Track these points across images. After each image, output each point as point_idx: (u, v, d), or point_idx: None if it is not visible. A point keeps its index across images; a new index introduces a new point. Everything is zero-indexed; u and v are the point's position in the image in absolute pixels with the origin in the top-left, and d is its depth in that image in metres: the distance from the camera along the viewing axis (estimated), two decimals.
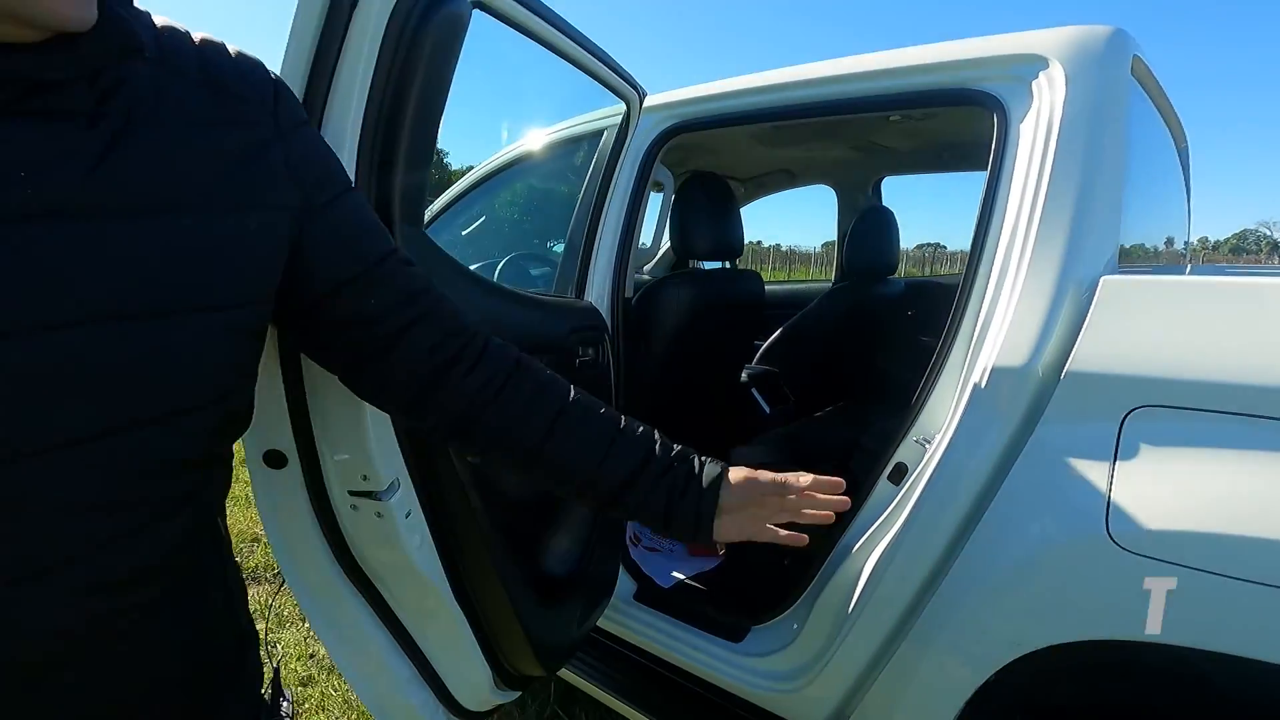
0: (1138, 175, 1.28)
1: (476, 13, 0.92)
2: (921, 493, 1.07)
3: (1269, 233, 79.46)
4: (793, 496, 0.73)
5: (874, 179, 2.61)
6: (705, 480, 0.71)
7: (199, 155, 0.50)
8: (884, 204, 2.62)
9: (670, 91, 1.59)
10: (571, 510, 1.37)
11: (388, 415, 0.88)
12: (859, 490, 1.27)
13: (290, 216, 0.56)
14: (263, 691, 0.69)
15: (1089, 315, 0.93)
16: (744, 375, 2.07)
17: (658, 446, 0.72)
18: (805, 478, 0.72)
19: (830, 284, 2.79)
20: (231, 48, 0.56)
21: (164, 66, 0.50)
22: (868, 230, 2.18)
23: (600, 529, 1.49)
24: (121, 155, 0.45)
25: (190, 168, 0.49)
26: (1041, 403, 0.96)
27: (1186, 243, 2.06)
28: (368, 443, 0.86)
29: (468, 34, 0.88)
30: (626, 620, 1.62)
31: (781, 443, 1.66)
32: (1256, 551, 0.77)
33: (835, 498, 0.73)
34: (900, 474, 1.19)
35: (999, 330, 1.01)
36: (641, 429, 0.73)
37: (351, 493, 0.92)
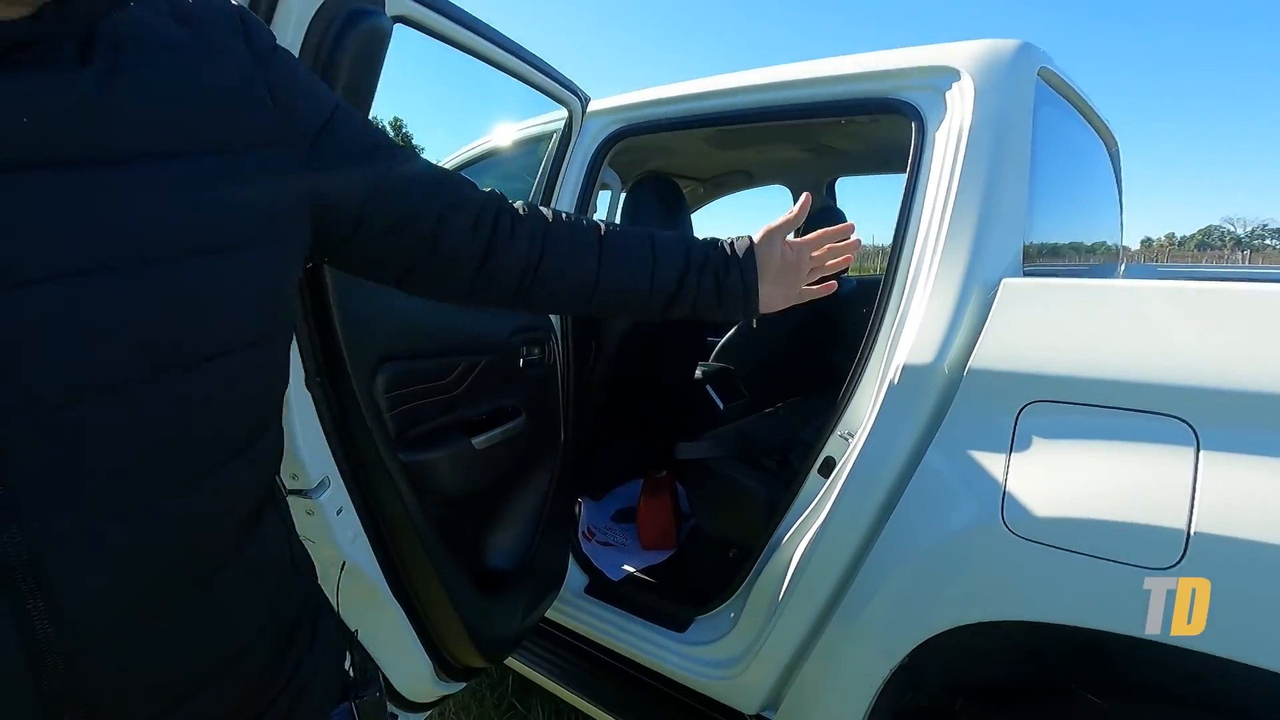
0: (1054, 178, 1.35)
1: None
2: (843, 484, 1.12)
3: (1232, 229, 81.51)
4: (815, 253, 0.86)
5: (827, 180, 2.67)
6: (741, 254, 0.80)
7: (199, 81, 0.49)
8: (836, 205, 2.68)
9: (616, 96, 1.63)
10: (514, 506, 1.41)
11: (315, 413, 0.91)
12: (792, 483, 1.32)
13: (293, 152, 0.55)
14: (348, 667, 0.71)
15: (990, 315, 0.99)
16: (699, 372, 2.11)
17: (691, 245, 0.79)
18: (815, 235, 0.85)
19: None
20: None
21: (139, 2, 0.48)
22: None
23: (546, 523, 1.53)
24: (116, 97, 0.44)
25: (183, 105, 0.48)
26: (948, 398, 1.01)
27: (1120, 240, 2.14)
28: (295, 442, 0.88)
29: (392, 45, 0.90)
30: (577, 613, 1.66)
31: (726, 437, 1.71)
32: (1132, 536, 0.83)
33: (848, 241, 0.88)
34: (829, 467, 1.24)
35: (912, 329, 1.06)
36: (670, 236, 0.80)
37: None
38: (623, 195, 2.12)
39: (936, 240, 1.07)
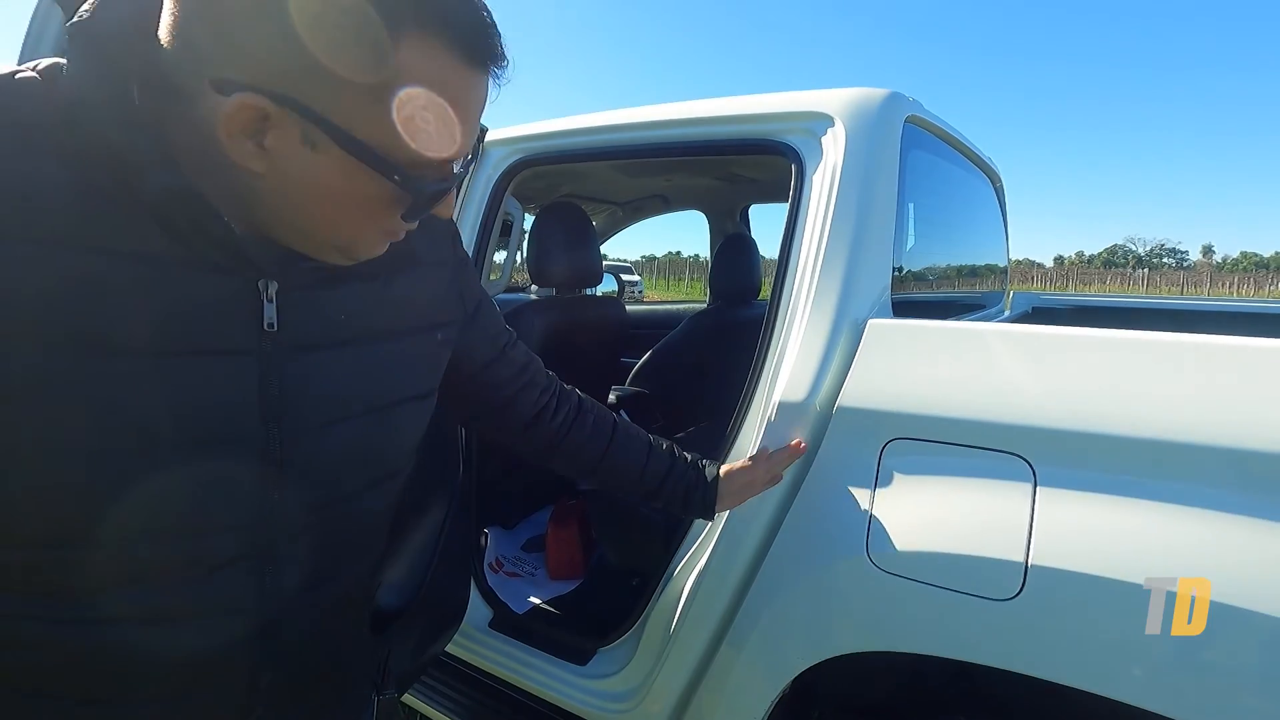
0: (927, 215, 1.42)
1: None
2: (728, 515, 1.15)
3: (1134, 247, 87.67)
4: (768, 476, 1.03)
5: (740, 206, 2.74)
6: (709, 478, 1.01)
7: (431, 292, 0.70)
8: (747, 231, 2.75)
9: (516, 126, 1.63)
10: (402, 542, 1.37)
11: None
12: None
13: (457, 327, 0.76)
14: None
15: (856, 355, 1.03)
16: (612, 397, 2.12)
17: (677, 456, 1.00)
18: (774, 456, 1.03)
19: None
20: None
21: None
22: (730, 257, 2.29)
23: (443, 558, 1.50)
24: (381, 295, 0.64)
25: (426, 301, 0.69)
26: (820, 434, 1.05)
27: (1006, 266, 2.27)
28: None
29: None
30: (479, 648, 1.63)
31: None
32: (978, 568, 0.88)
33: (795, 457, 1.05)
34: None
35: (788, 367, 1.09)
36: (665, 444, 1.00)
37: None
38: (527, 224, 2.12)
39: (811, 280, 1.11)
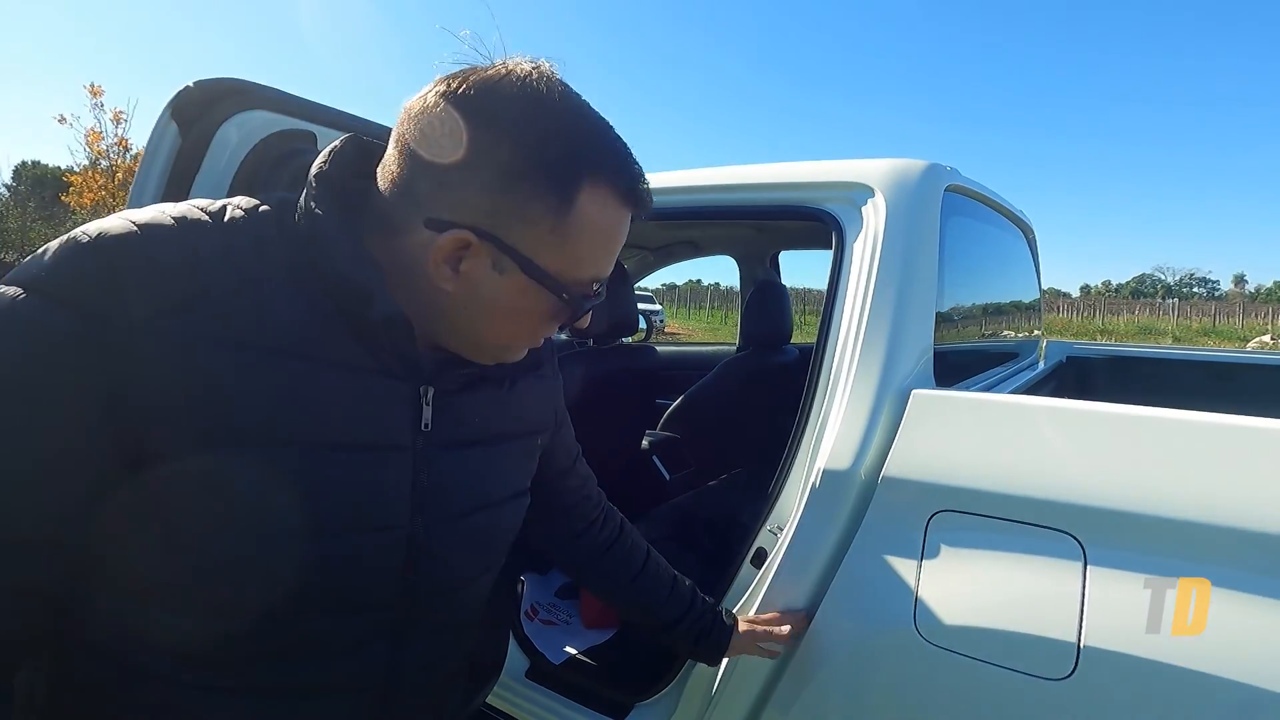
0: (967, 279, 1.44)
1: None
2: (773, 578, 1.16)
3: (1163, 277, 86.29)
4: (761, 644, 1.08)
5: (771, 252, 2.77)
6: (721, 630, 1.05)
7: (538, 401, 0.78)
8: (777, 276, 2.78)
9: None
10: None
11: None
12: (727, 570, 1.35)
13: (550, 433, 0.83)
14: None
15: (901, 425, 1.04)
16: (645, 442, 2.14)
17: (695, 600, 1.04)
18: (782, 630, 1.07)
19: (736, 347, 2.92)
20: None
21: None
22: (761, 304, 2.32)
23: (486, 610, 1.52)
24: (505, 400, 0.72)
25: (534, 408, 0.77)
26: (865, 503, 1.06)
27: (1039, 319, 2.27)
28: None
29: None
30: (518, 699, 1.64)
31: (669, 516, 1.73)
32: (1036, 646, 0.88)
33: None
34: (760, 558, 1.28)
35: (831, 434, 1.11)
36: (686, 583, 1.05)
37: None
38: None
39: (854, 348, 1.14)
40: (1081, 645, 0.85)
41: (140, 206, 0.76)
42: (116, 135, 20.30)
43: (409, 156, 0.56)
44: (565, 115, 0.57)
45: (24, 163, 45.66)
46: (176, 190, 0.77)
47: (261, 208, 0.58)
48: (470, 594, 0.73)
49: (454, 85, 0.55)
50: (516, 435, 0.74)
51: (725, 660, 1.21)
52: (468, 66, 0.57)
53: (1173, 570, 0.84)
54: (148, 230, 0.51)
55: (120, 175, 20.13)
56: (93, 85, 19.79)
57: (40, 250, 0.50)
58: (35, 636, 0.55)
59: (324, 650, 0.61)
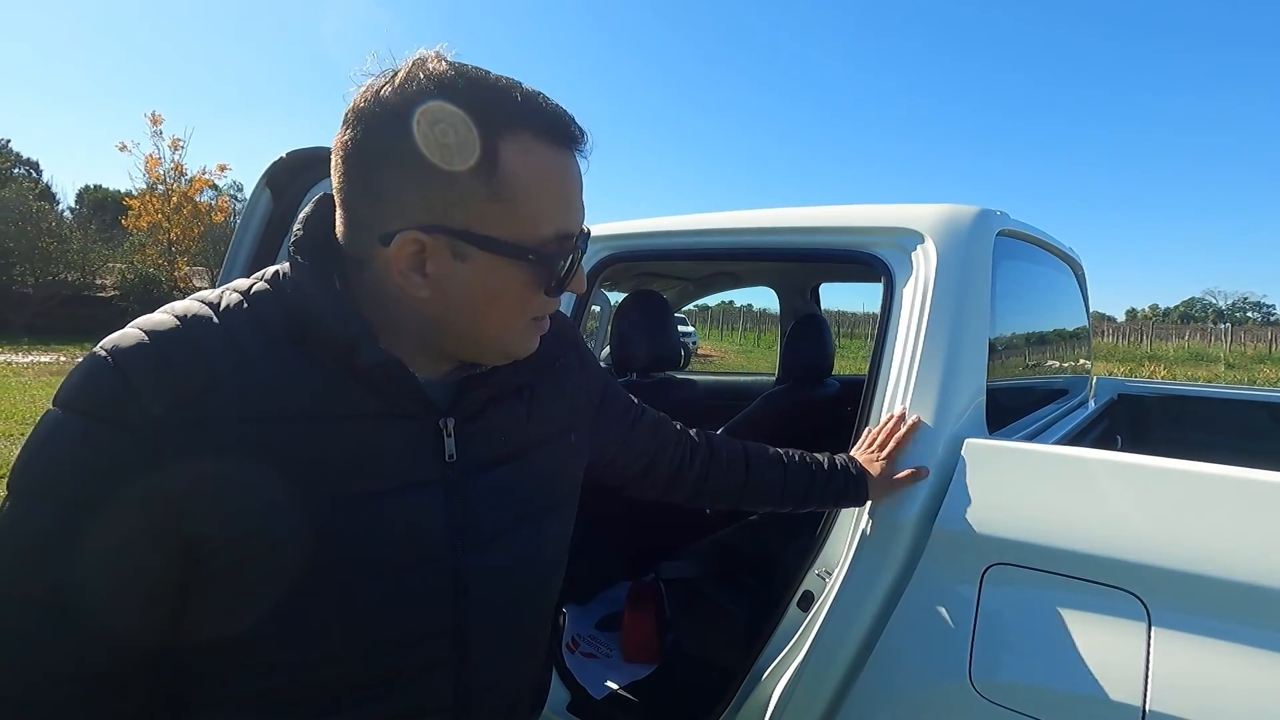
0: (1017, 320, 1.43)
1: None
2: (822, 623, 1.15)
3: (1214, 301, 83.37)
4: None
5: (811, 285, 2.78)
6: (854, 487, 1.07)
7: (564, 397, 0.78)
8: (817, 308, 2.78)
9: (607, 224, 1.72)
10: None
11: None
12: (773, 611, 1.34)
13: (588, 423, 0.84)
14: None
15: (954, 475, 1.04)
16: None
17: (814, 476, 1.07)
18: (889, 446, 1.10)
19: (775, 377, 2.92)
20: None
21: (541, 341, 0.74)
22: (802, 338, 2.32)
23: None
24: (529, 409, 0.72)
25: (561, 407, 0.77)
26: (918, 552, 1.06)
27: (1089, 355, 2.23)
28: None
29: None
30: None
31: (709, 553, 1.73)
32: (1100, 708, 0.87)
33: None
34: (808, 602, 1.27)
35: None
36: (798, 456, 1.07)
37: None
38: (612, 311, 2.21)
39: (905, 395, 1.14)
40: (1147, 710, 0.83)
41: (235, 265, 0.81)
42: (174, 161, 21.27)
43: (344, 190, 0.59)
44: (456, 88, 0.56)
45: (86, 187, 47.98)
46: (268, 251, 0.82)
47: (256, 286, 0.61)
48: (530, 606, 0.74)
49: (348, 112, 0.57)
50: (547, 439, 0.74)
51: (777, 696, 1.20)
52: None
53: (1240, 637, 0.82)
54: (154, 335, 0.55)
55: (175, 199, 21.03)
56: (153, 114, 20.81)
57: (73, 370, 0.55)
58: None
59: (393, 682, 0.64)
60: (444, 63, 0.57)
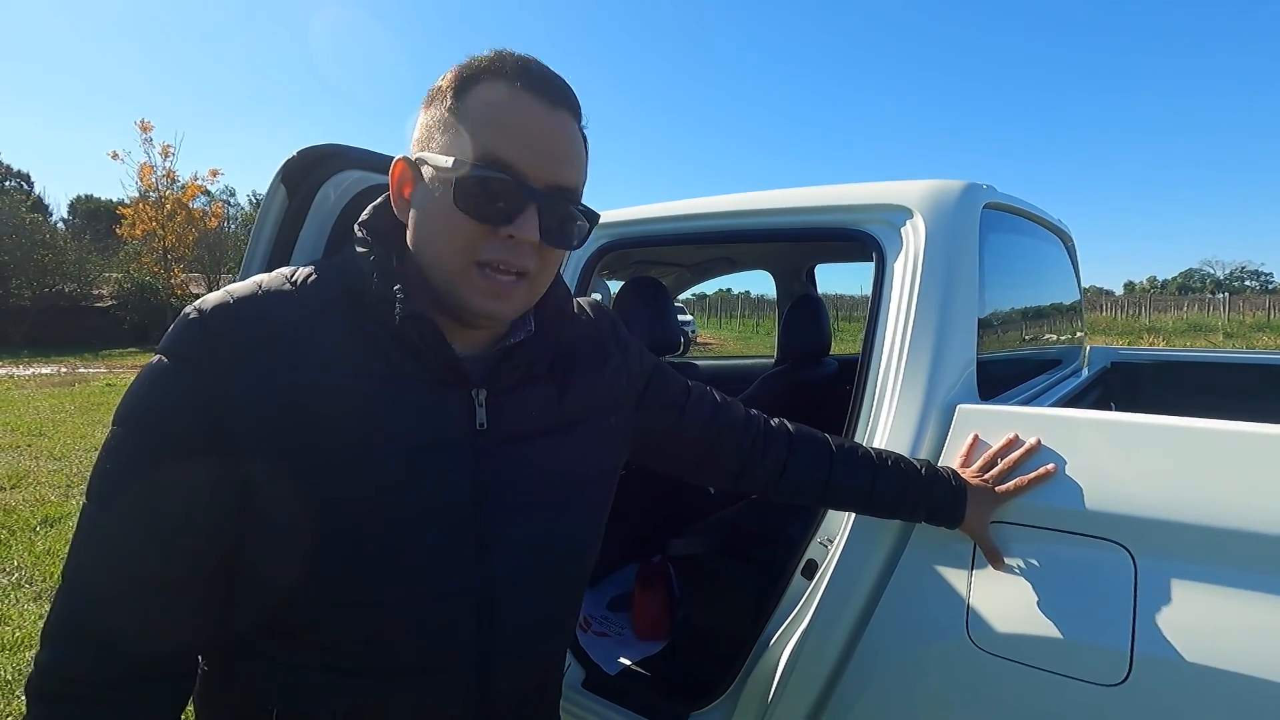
0: (1007, 292, 1.47)
1: None
2: (825, 589, 1.20)
3: (1211, 271, 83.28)
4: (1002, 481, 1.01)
5: (807, 266, 2.81)
6: (950, 505, 0.99)
7: (603, 380, 0.81)
8: (813, 289, 2.81)
9: (603, 213, 1.76)
10: None
11: None
12: (779, 581, 1.39)
13: (630, 407, 0.87)
14: None
15: (946, 440, 1.08)
16: None
17: (910, 474, 1.00)
18: (998, 467, 1.01)
19: (774, 360, 2.96)
20: (581, 300, 0.88)
21: (574, 325, 0.81)
22: (799, 319, 2.36)
23: None
24: (561, 394, 0.76)
25: (599, 390, 0.81)
26: None
27: (1083, 325, 2.27)
28: None
29: None
30: (575, 708, 1.70)
31: (716, 530, 1.78)
32: (1089, 653, 0.91)
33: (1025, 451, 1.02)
34: (811, 570, 1.32)
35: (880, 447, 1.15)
36: (891, 460, 1.01)
37: None
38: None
39: (897, 366, 1.18)
40: (1135, 651, 0.87)
41: (254, 261, 0.86)
42: (165, 168, 21.23)
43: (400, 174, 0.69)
44: (486, 55, 0.66)
45: (79, 197, 47.83)
46: (284, 245, 0.86)
47: (324, 264, 0.70)
48: (555, 579, 0.77)
49: None
50: (583, 419, 0.78)
51: (784, 661, 1.24)
52: None
53: (1221, 579, 0.86)
54: (235, 295, 0.65)
55: (169, 206, 21.01)
56: (143, 121, 20.77)
57: (172, 322, 0.66)
58: (198, 633, 0.67)
59: (418, 635, 0.69)
60: (496, 50, 0.66)
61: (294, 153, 0.85)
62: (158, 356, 0.63)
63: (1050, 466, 0.98)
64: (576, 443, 0.78)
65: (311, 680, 0.68)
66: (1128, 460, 0.95)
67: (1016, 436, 1.03)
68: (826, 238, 1.40)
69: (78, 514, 0.64)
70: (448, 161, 0.62)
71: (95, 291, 20.46)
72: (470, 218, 0.62)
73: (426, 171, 0.65)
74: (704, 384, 1.00)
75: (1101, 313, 29.51)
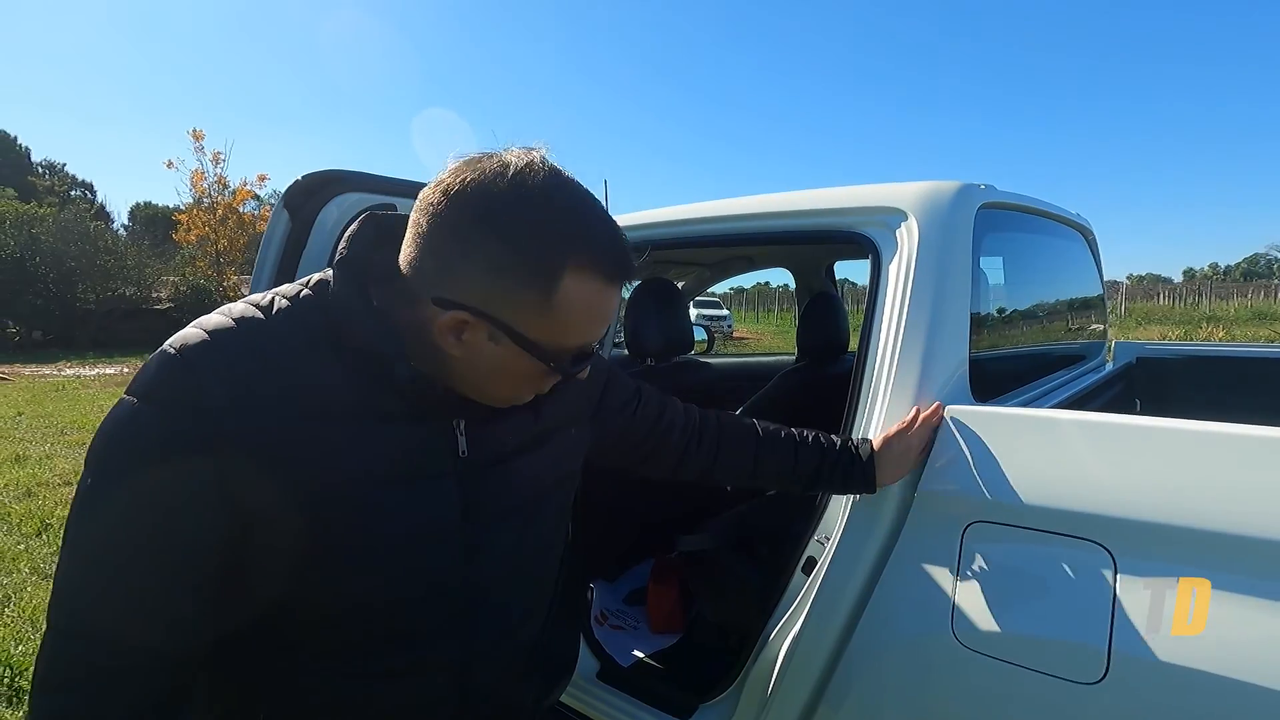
0: (1013, 284, 1.47)
1: None
2: (820, 585, 1.23)
3: (1279, 255, 78.98)
4: (916, 437, 1.10)
5: (825, 264, 2.81)
6: (863, 456, 1.09)
7: (567, 398, 0.86)
8: (832, 285, 2.81)
9: (621, 216, 1.80)
10: None
11: None
12: (779, 577, 1.42)
13: (587, 417, 0.95)
14: None
15: (936, 440, 1.10)
16: None
17: (826, 446, 1.10)
18: (923, 421, 1.11)
19: (793, 355, 2.97)
20: None
21: None
22: (815, 317, 2.37)
23: (559, 612, 1.64)
24: (534, 418, 0.81)
25: (566, 407, 0.87)
26: (904, 515, 1.12)
27: (1106, 319, 2.22)
28: None
29: None
30: (589, 699, 1.75)
31: (725, 526, 1.81)
32: (1068, 651, 0.92)
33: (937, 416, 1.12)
34: (810, 566, 1.35)
35: None
36: (811, 436, 1.11)
37: None
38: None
39: (890, 366, 1.20)
40: (1112, 650, 0.88)
41: (260, 281, 0.93)
42: (216, 174, 22.07)
43: (420, 241, 0.66)
44: (549, 207, 0.63)
45: (138, 204, 50.06)
46: (288, 266, 0.93)
47: (302, 293, 0.70)
48: (529, 572, 0.85)
49: (454, 185, 0.63)
50: (552, 432, 0.84)
51: (783, 654, 1.28)
52: (473, 156, 0.66)
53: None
54: (214, 332, 0.65)
55: (220, 211, 21.84)
56: (195, 130, 21.61)
57: (145, 364, 0.64)
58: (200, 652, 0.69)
59: (411, 638, 0.75)
60: (547, 173, 0.64)
61: (297, 178, 0.92)
62: (133, 399, 0.63)
63: (936, 404, 1.11)
64: (549, 454, 0.84)
65: (302, 682, 0.73)
66: (1108, 460, 0.95)
67: (919, 408, 1.12)
68: (824, 240, 1.42)
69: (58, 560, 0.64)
70: (543, 348, 0.67)
71: (154, 295, 21.39)
72: (551, 381, 0.73)
73: (503, 338, 0.66)
74: (645, 384, 1.08)
75: (1157, 301, 28.32)
